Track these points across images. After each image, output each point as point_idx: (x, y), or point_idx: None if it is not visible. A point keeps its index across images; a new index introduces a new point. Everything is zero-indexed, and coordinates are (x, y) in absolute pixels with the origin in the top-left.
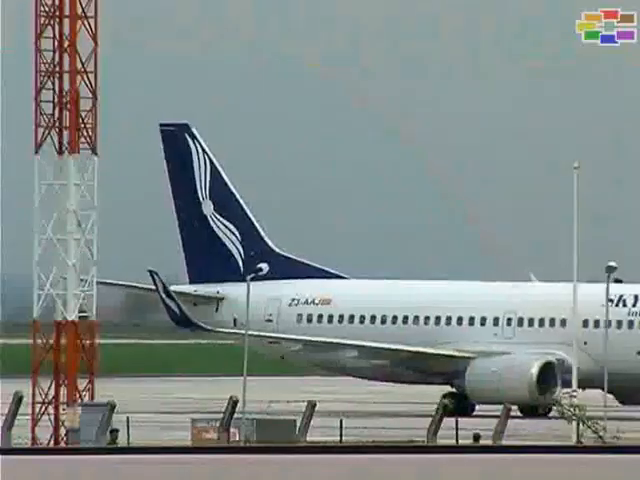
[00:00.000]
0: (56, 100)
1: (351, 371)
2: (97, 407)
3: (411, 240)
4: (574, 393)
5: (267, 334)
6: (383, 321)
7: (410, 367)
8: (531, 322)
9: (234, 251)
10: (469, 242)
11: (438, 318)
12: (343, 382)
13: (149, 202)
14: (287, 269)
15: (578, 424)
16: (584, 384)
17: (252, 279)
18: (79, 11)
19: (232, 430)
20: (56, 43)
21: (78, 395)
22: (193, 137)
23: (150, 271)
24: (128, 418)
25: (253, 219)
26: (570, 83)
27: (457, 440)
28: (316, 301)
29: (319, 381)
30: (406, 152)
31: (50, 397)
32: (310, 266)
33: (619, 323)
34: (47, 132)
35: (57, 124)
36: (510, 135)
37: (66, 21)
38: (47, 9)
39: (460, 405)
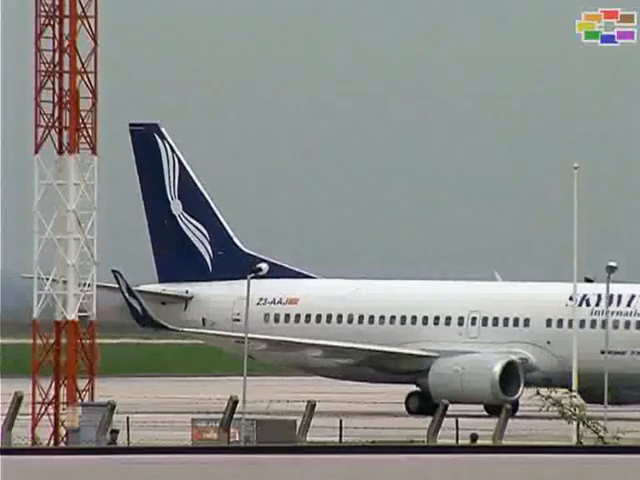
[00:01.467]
0: (56, 100)
1: (317, 370)
2: (97, 407)
3: (399, 238)
4: (574, 393)
5: (234, 334)
6: (350, 321)
7: (375, 366)
8: (495, 321)
9: (202, 250)
10: (464, 242)
11: (404, 318)
12: (343, 382)
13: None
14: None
15: (578, 424)
16: (548, 384)
17: (253, 278)
18: (79, 11)
19: (232, 430)
20: (56, 43)
21: (78, 395)
22: (162, 137)
23: (114, 271)
24: (128, 418)
25: (222, 219)
26: (570, 83)
27: (457, 440)
28: (283, 301)
29: (319, 381)
30: (398, 149)
31: (50, 397)
32: (278, 265)
33: (582, 322)
34: (47, 132)
35: (57, 124)
36: (510, 135)
37: (66, 21)
38: (47, 9)
39: (425, 404)
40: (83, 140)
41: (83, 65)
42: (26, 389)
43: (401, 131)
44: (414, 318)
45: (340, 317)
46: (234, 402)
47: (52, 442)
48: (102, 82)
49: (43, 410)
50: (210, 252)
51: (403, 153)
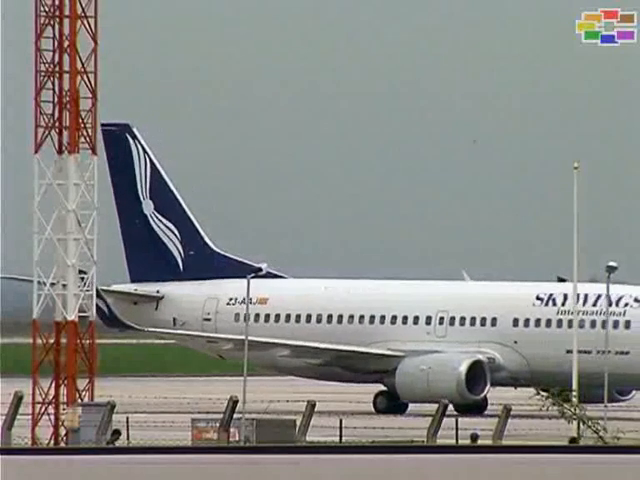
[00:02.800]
0: (56, 100)
1: (286, 370)
2: (97, 407)
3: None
4: (574, 393)
5: (204, 334)
6: (319, 320)
7: (342, 366)
8: (463, 321)
9: (174, 250)
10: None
11: (372, 317)
12: (342, 382)
13: None
14: (226, 268)
15: (578, 424)
16: (515, 383)
17: (253, 277)
18: (79, 11)
19: (232, 430)
20: (56, 43)
21: (78, 395)
22: (134, 137)
23: (80, 271)
24: (128, 418)
25: (193, 218)
26: (570, 83)
27: (457, 440)
28: (253, 300)
29: (317, 381)
30: (398, 150)
31: (50, 397)
32: (249, 265)
33: (549, 322)
34: (47, 132)
35: (57, 124)
36: (509, 135)
37: (66, 21)
38: (47, 9)
39: (393, 404)
40: (83, 140)
41: (83, 65)
42: (26, 389)
43: (401, 131)
44: (382, 318)
45: (309, 317)
46: (234, 402)
47: (52, 442)
48: (102, 82)
49: (43, 410)
50: (181, 252)
51: (403, 153)
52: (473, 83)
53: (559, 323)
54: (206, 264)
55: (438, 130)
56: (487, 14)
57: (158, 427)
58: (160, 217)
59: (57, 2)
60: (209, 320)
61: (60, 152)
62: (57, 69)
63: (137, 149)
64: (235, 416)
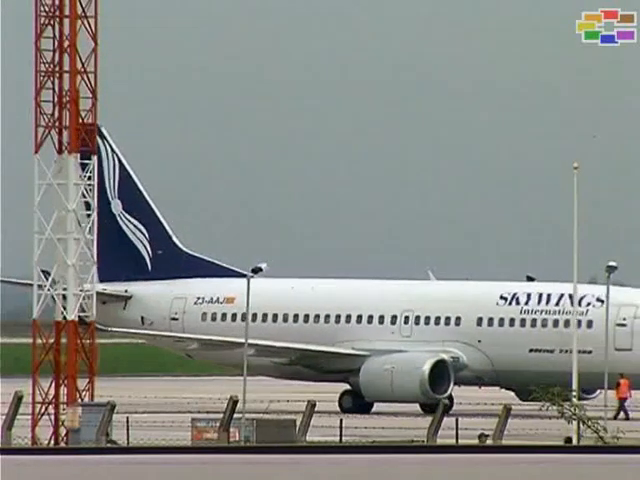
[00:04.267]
0: (56, 100)
1: (253, 369)
2: (97, 407)
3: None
4: (574, 393)
5: (172, 334)
6: (285, 319)
7: (308, 365)
8: (427, 320)
9: (142, 250)
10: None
11: (338, 316)
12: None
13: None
14: (194, 268)
15: (578, 424)
16: (479, 382)
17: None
18: (79, 11)
19: (232, 430)
20: (56, 43)
21: (78, 395)
22: (102, 137)
23: (43, 271)
24: (128, 418)
25: (161, 218)
26: (570, 83)
27: (457, 440)
28: (220, 300)
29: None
30: (398, 149)
31: (50, 397)
32: (216, 265)
33: (512, 321)
34: (47, 132)
35: (57, 124)
36: (509, 135)
37: (66, 21)
38: (47, 9)
39: (358, 403)
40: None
41: (83, 65)
42: (26, 389)
43: (401, 131)
44: (348, 317)
45: (275, 316)
46: (234, 402)
47: (52, 442)
48: (102, 82)
49: (43, 410)
50: (149, 251)
51: (403, 153)
52: (473, 83)
53: (522, 322)
54: (174, 264)
55: (437, 130)
56: (487, 14)
57: (158, 427)
58: (128, 217)
59: (57, 2)
60: (176, 319)
61: (60, 152)
62: (57, 69)
63: (106, 149)
64: (235, 416)
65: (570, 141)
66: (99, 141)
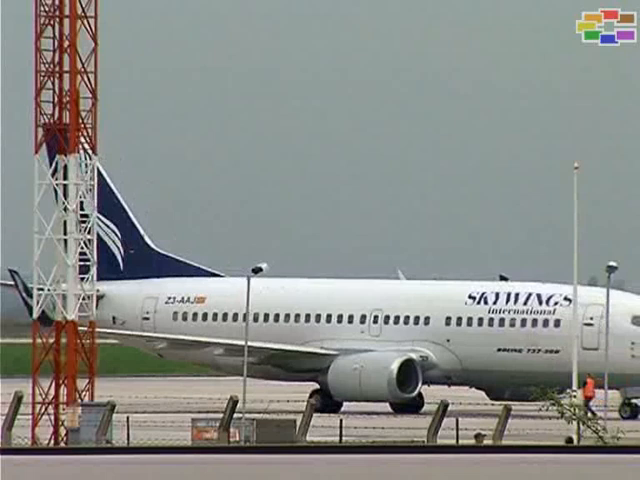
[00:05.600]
0: (56, 100)
1: (223, 368)
2: (97, 407)
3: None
4: (574, 393)
5: (142, 333)
6: (255, 319)
7: (277, 364)
8: (397, 320)
9: (114, 250)
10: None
11: (308, 316)
12: None
13: (149, 200)
14: (165, 267)
15: (578, 424)
16: (448, 381)
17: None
18: (79, 11)
19: (232, 430)
20: (56, 43)
21: (78, 395)
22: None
23: (10, 270)
24: (128, 418)
25: (133, 218)
26: (570, 83)
27: (457, 440)
28: (191, 299)
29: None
30: (397, 150)
31: (50, 397)
32: (187, 264)
33: (480, 320)
34: (47, 131)
35: (57, 124)
36: (510, 135)
37: (66, 21)
38: (47, 9)
39: (327, 402)
40: (83, 140)
41: (83, 65)
42: (26, 389)
43: (401, 131)
44: (318, 316)
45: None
46: (234, 402)
47: (52, 442)
48: (102, 82)
49: (43, 410)
50: (121, 251)
51: (403, 153)
52: (472, 83)
53: (490, 322)
54: (146, 263)
55: (437, 130)
56: (487, 14)
57: (158, 427)
58: (101, 217)
59: (57, 2)
60: (148, 319)
61: (60, 152)
62: (57, 69)
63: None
64: (235, 416)
65: (570, 141)
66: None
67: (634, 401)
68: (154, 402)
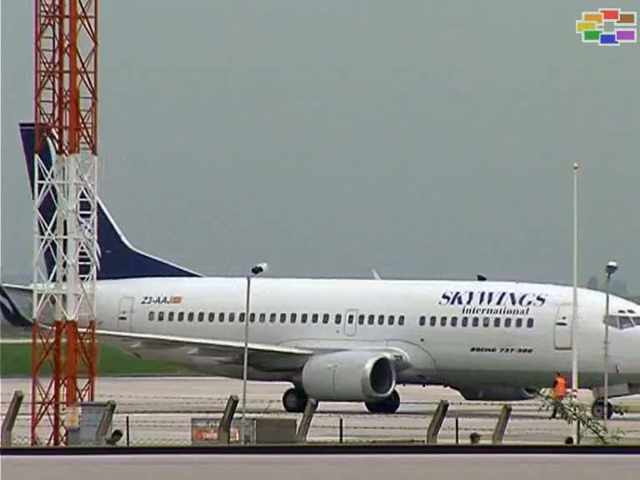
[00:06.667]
0: (56, 100)
1: (199, 368)
2: (97, 407)
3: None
4: (574, 393)
5: (118, 333)
6: (231, 319)
7: (252, 364)
8: (371, 319)
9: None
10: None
11: (283, 316)
12: None
13: (149, 200)
14: (142, 267)
15: (578, 424)
16: (422, 381)
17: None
18: (79, 11)
19: (232, 430)
20: (56, 43)
21: (78, 395)
22: (52, 137)
23: None
24: (128, 418)
25: (110, 218)
26: (570, 83)
27: (457, 440)
28: (167, 299)
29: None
30: (397, 150)
31: (50, 397)
32: (164, 264)
33: (454, 320)
34: (47, 131)
35: (57, 124)
36: (510, 135)
37: (66, 21)
38: (47, 9)
39: (302, 402)
40: (83, 140)
41: (83, 65)
42: (26, 389)
43: (401, 131)
44: (293, 316)
45: (222, 315)
46: (234, 402)
47: (52, 442)
48: (102, 82)
49: (43, 410)
50: (99, 251)
51: (403, 153)
52: (473, 83)
53: (464, 321)
54: (123, 263)
55: (437, 130)
56: (487, 14)
57: (158, 427)
58: (78, 218)
59: (57, 2)
60: (124, 319)
61: (60, 152)
62: (57, 69)
63: (56, 149)
64: (235, 416)
65: (570, 141)
66: (49, 141)
67: (608, 401)
68: (154, 402)
